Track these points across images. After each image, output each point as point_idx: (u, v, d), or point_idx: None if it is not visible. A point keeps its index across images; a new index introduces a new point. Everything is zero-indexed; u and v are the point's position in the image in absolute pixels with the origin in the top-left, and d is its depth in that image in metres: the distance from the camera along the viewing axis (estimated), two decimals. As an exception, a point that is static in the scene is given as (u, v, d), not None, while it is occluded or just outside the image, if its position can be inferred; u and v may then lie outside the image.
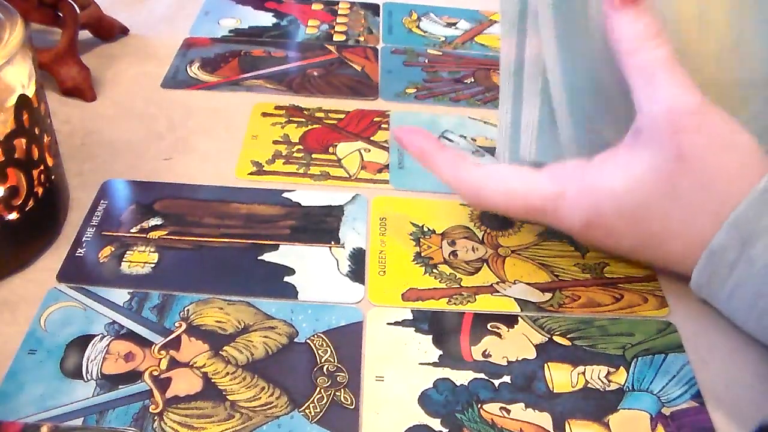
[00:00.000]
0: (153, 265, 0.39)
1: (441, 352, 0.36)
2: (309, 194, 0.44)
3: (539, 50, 0.40)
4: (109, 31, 0.57)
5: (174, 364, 0.34)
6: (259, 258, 0.40)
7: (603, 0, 0.37)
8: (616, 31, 0.36)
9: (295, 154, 0.47)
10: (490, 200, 0.39)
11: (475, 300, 0.38)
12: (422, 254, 0.41)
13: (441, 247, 0.41)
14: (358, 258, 0.40)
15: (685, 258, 0.36)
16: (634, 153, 0.36)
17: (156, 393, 0.33)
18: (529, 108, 0.41)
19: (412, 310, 0.38)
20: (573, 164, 0.38)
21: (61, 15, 0.53)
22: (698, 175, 0.34)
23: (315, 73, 0.55)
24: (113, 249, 0.40)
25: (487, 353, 0.36)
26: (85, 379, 0.33)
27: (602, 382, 0.35)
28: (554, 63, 0.39)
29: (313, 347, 0.35)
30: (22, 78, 0.35)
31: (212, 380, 0.33)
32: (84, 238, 0.40)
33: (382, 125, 0.50)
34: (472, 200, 0.40)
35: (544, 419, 0.33)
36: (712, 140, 0.34)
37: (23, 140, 0.36)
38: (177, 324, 0.36)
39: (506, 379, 0.35)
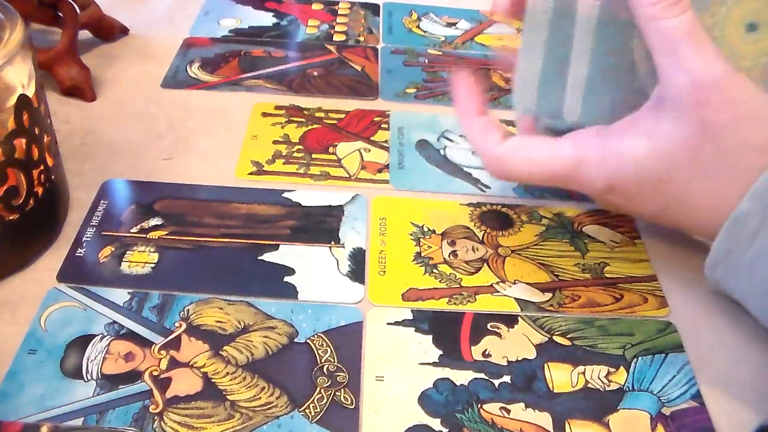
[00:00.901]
0: (153, 265, 0.39)
1: (441, 352, 0.36)
2: (309, 194, 0.44)
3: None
4: (109, 31, 0.57)
5: (174, 364, 0.34)
6: (259, 258, 0.40)
7: None
8: None
9: (295, 154, 0.47)
10: (514, 171, 0.39)
11: (475, 300, 0.38)
12: (422, 254, 0.41)
13: (441, 247, 0.41)
14: (358, 258, 0.40)
15: (707, 226, 0.36)
16: (657, 121, 0.35)
17: (156, 393, 0.33)
18: (577, 65, 0.39)
19: (412, 310, 0.38)
20: (595, 130, 0.37)
21: (61, 15, 0.53)
22: (722, 148, 0.34)
23: (315, 73, 0.55)
24: (113, 249, 0.40)
25: (487, 353, 0.36)
26: (85, 379, 0.33)
27: (602, 382, 0.35)
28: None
29: (313, 347, 0.35)
30: (22, 78, 0.35)
31: (212, 380, 0.33)
32: (84, 238, 0.40)
33: (382, 125, 0.50)
34: (494, 171, 0.39)
35: (544, 419, 0.33)
36: (737, 113, 0.34)
37: (23, 140, 0.36)
38: (177, 324, 0.36)
39: (506, 379, 0.35)
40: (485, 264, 0.40)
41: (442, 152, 0.48)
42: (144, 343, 0.35)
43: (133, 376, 0.33)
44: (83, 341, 0.35)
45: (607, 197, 0.38)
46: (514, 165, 0.38)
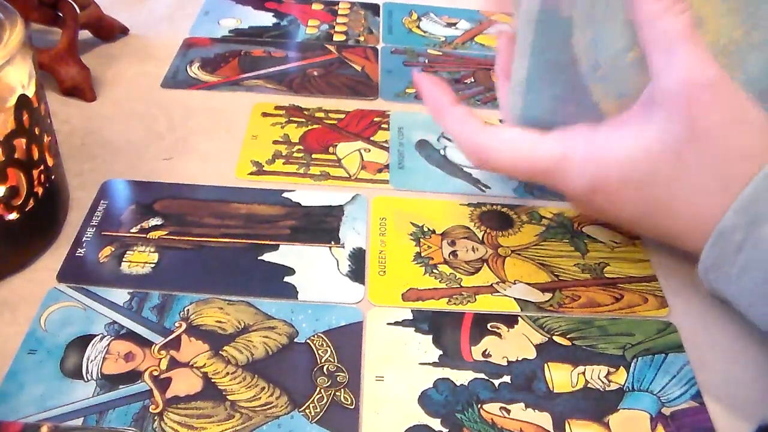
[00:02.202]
0: (153, 265, 0.39)
1: (441, 352, 0.36)
2: (309, 194, 0.44)
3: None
4: (109, 31, 0.57)
5: (174, 364, 0.34)
6: (259, 258, 0.40)
7: None
8: None
9: (295, 154, 0.47)
10: (495, 161, 0.38)
11: (475, 300, 0.38)
12: (422, 254, 0.41)
13: (441, 247, 0.41)
14: (358, 258, 0.40)
15: (688, 233, 0.35)
16: (645, 121, 0.35)
17: (156, 393, 0.33)
18: (519, 60, 0.38)
19: (412, 310, 0.38)
20: (581, 128, 0.37)
21: (61, 15, 0.53)
22: (708, 152, 0.33)
23: (315, 73, 0.55)
24: (113, 249, 0.40)
25: (487, 353, 0.36)
26: (85, 379, 0.33)
27: (602, 382, 0.35)
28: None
29: (313, 347, 0.35)
30: (22, 78, 0.35)
31: (212, 380, 0.33)
32: (84, 238, 0.40)
33: (382, 125, 0.50)
34: (476, 160, 0.39)
35: (544, 419, 0.33)
36: (726, 117, 0.33)
37: (23, 140, 0.36)
38: (177, 324, 0.36)
39: (506, 379, 0.35)
40: (485, 264, 0.40)
41: (442, 152, 0.48)
42: (144, 343, 0.35)
43: (133, 376, 0.33)
44: (83, 341, 0.35)
45: (588, 199, 0.37)
46: (496, 154, 0.38)
